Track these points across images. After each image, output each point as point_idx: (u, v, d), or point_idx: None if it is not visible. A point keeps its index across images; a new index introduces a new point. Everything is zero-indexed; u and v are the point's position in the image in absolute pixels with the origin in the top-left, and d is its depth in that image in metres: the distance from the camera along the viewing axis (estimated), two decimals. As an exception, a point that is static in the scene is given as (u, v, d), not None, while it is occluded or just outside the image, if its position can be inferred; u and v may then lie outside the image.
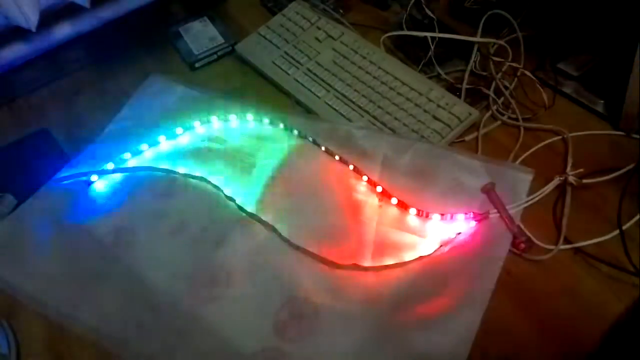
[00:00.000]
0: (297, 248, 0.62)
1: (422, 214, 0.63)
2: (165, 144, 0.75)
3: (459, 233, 0.61)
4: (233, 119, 0.76)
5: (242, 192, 0.68)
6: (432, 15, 0.81)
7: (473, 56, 0.78)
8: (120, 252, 0.64)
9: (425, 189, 0.65)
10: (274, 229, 0.64)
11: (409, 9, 0.83)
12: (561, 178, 0.63)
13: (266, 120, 0.75)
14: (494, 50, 0.77)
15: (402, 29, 0.83)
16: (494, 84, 0.75)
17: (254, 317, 0.58)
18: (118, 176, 0.72)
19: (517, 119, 0.72)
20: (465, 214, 0.62)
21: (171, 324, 0.58)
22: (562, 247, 0.59)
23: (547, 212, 0.63)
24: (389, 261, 0.60)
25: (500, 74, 0.75)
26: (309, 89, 0.78)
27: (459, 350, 0.53)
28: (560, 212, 0.62)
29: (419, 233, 0.62)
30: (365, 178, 0.67)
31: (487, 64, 0.77)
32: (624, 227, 0.57)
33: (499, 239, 0.60)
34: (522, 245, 0.59)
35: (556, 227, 0.61)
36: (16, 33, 0.77)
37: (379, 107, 0.73)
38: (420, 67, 0.79)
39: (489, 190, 0.63)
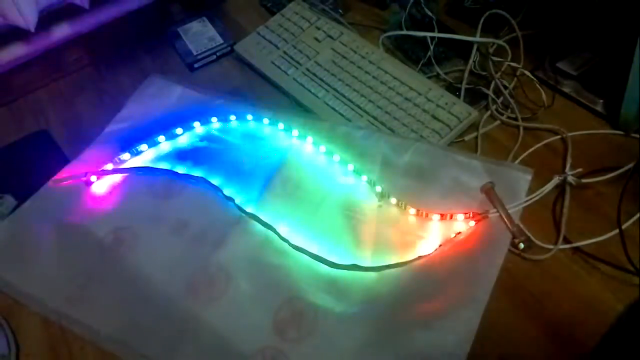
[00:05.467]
0: (297, 248, 0.62)
1: (422, 214, 0.63)
2: (164, 144, 0.75)
3: (459, 233, 0.61)
4: (232, 119, 0.76)
5: (242, 192, 0.68)
6: (431, 14, 0.81)
7: (472, 56, 0.78)
8: (119, 253, 0.64)
9: (424, 188, 0.65)
10: (273, 229, 0.64)
11: (408, 8, 0.83)
12: (560, 177, 0.63)
13: (266, 121, 0.75)
14: (493, 50, 0.77)
15: (401, 29, 0.83)
16: (493, 84, 0.75)
17: (254, 317, 0.58)
18: (117, 177, 0.72)
19: (516, 119, 0.72)
20: (465, 213, 0.62)
21: (171, 324, 0.58)
22: (562, 246, 0.59)
23: (547, 211, 0.63)
24: (389, 261, 0.60)
25: (499, 74, 0.75)
26: (308, 89, 0.78)
27: (459, 350, 0.53)
28: (559, 212, 0.62)
29: (418, 233, 0.62)
30: (364, 178, 0.67)
31: (486, 63, 0.77)
32: (623, 227, 0.57)
33: (498, 239, 0.60)
34: (522, 245, 0.59)
35: (555, 227, 0.61)
36: (15, 33, 0.77)
37: (378, 106, 0.73)
38: (419, 66, 0.79)
39: (488, 190, 0.63)
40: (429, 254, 0.60)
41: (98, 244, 0.65)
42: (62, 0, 0.77)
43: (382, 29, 0.86)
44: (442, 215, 0.62)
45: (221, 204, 0.67)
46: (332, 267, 0.60)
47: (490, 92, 0.74)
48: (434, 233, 0.62)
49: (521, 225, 0.61)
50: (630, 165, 0.62)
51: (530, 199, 0.62)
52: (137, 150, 0.74)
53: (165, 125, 0.76)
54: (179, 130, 0.75)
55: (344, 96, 0.76)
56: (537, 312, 0.56)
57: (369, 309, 0.57)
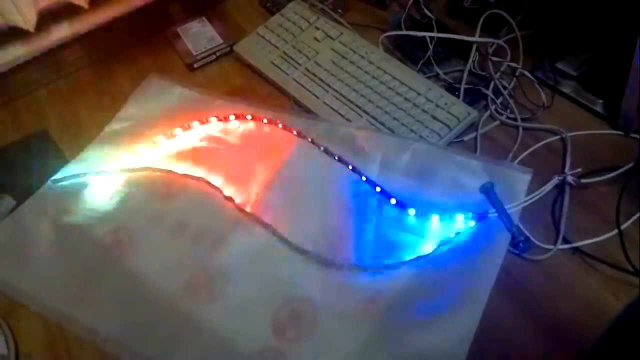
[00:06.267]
0: (296, 248, 0.62)
1: (421, 214, 0.63)
2: (164, 144, 0.75)
3: (458, 233, 0.61)
4: (232, 119, 0.76)
5: (241, 192, 0.68)
6: (430, 15, 0.81)
7: (472, 56, 0.77)
8: (119, 253, 0.64)
9: (424, 188, 0.65)
10: (272, 229, 0.64)
11: (407, 8, 0.83)
12: (560, 178, 0.63)
13: (265, 121, 0.75)
14: (492, 50, 0.77)
15: (400, 29, 0.83)
16: (492, 84, 0.75)
17: (253, 317, 0.58)
18: (117, 177, 0.72)
19: (515, 119, 0.72)
20: (464, 213, 0.62)
21: (170, 324, 0.58)
22: (561, 246, 0.59)
23: (546, 211, 0.63)
24: (389, 261, 0.60)
25: (498, 74, 0.75)
26: (307, 89, 0.78)
27: (458, 350, 0.53)
28: (558, 212, 0.62)
29: (417, 233, 0.62)
30: (364, 178, 0.67)
31: (485, 63, 0.77)
32: (622, 227, 0.57)
33: (497, 239, 0.60)
34: (521, 245, 0.59)
35: (555, 227, 0.61)
36: (15, 33, 0.77)
37: (377, 107, 0.73)
38: (418, 66, 0.79)
39: (487, 190, 0.63)
40: (428, 254, 0.60)
41: (97, 244, 0.65)
42: (61, 0, 0.78)
43: (381, 29, 0.86)
44: (441, 215, 0.62)
45: (221, 204, 0.67)
46: (332, 267, 0.60)
47: (489, 92, 0.74)
48: (434, 233, 0.62)
49: (520, 226, 0.61)
50: (630, 165, 0.62)
51: (530, 199, 0.62)
52: (136, 150, 0.74)
53: (165, 125, 0.76)
54: (178, 130, 0.76)
55: (343, 96, 0.76)
56: (536, 312, 0.56)
57: (368, 309, 0.57)
